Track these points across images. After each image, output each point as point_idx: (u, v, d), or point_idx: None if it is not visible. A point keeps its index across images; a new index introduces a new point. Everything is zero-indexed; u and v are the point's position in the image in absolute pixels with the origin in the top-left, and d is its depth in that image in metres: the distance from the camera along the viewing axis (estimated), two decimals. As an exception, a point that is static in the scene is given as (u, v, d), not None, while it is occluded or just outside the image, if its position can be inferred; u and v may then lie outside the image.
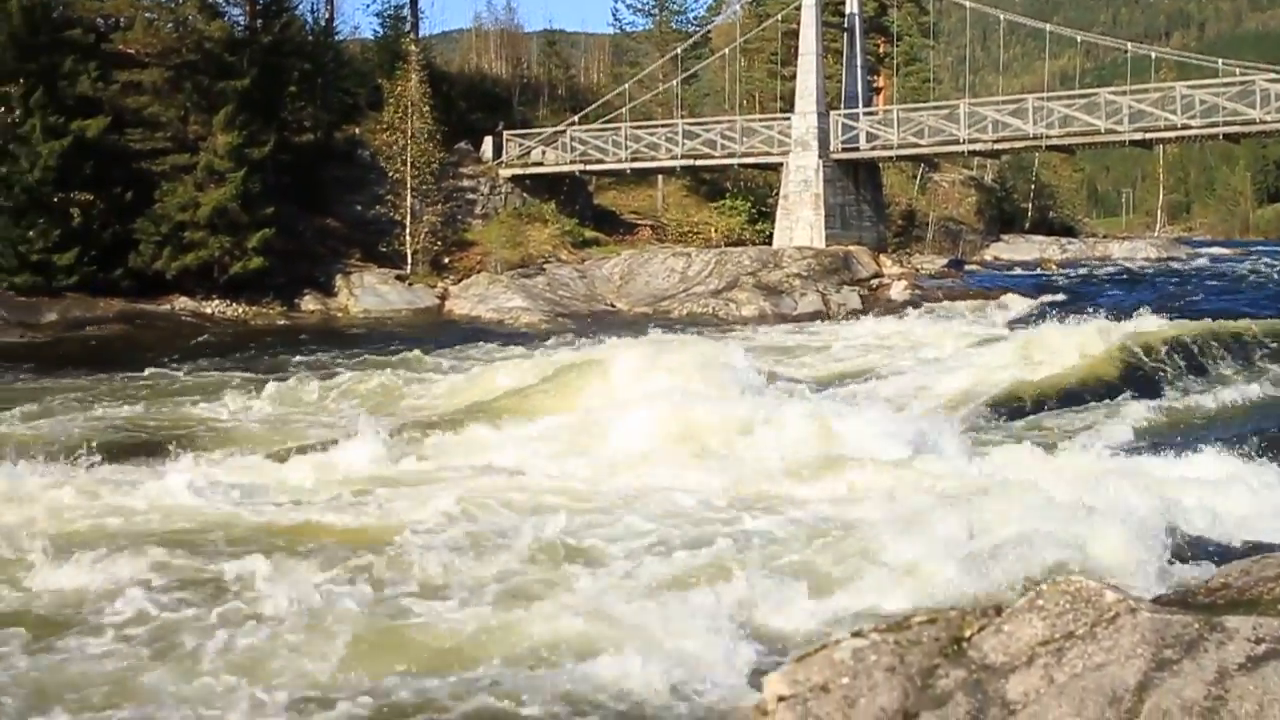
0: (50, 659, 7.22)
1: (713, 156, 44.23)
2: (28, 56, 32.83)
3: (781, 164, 42.60)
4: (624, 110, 46.91)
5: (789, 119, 43.13)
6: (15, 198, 31.66)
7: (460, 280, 39.45)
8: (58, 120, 32.49)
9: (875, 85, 59.26)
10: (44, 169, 31.78)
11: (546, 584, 8.60)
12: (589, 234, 45.74)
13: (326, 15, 48.23)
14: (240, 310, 34.49)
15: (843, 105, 44.04)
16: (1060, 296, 37.27)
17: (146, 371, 22.15)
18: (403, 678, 6.81)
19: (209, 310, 34.10)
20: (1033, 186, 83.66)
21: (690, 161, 44.54)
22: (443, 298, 38.16)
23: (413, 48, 44.56)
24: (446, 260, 41.10)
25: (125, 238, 33.57)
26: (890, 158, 44.59)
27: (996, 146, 41.10)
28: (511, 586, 8.53)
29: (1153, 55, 47.26)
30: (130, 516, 10.50)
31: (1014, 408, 16.56)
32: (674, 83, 50.59)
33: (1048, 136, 38.80)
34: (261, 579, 8.51)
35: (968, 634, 4.40)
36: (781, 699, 4.12)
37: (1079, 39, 49.03)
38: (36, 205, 31.87)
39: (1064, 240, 73.46)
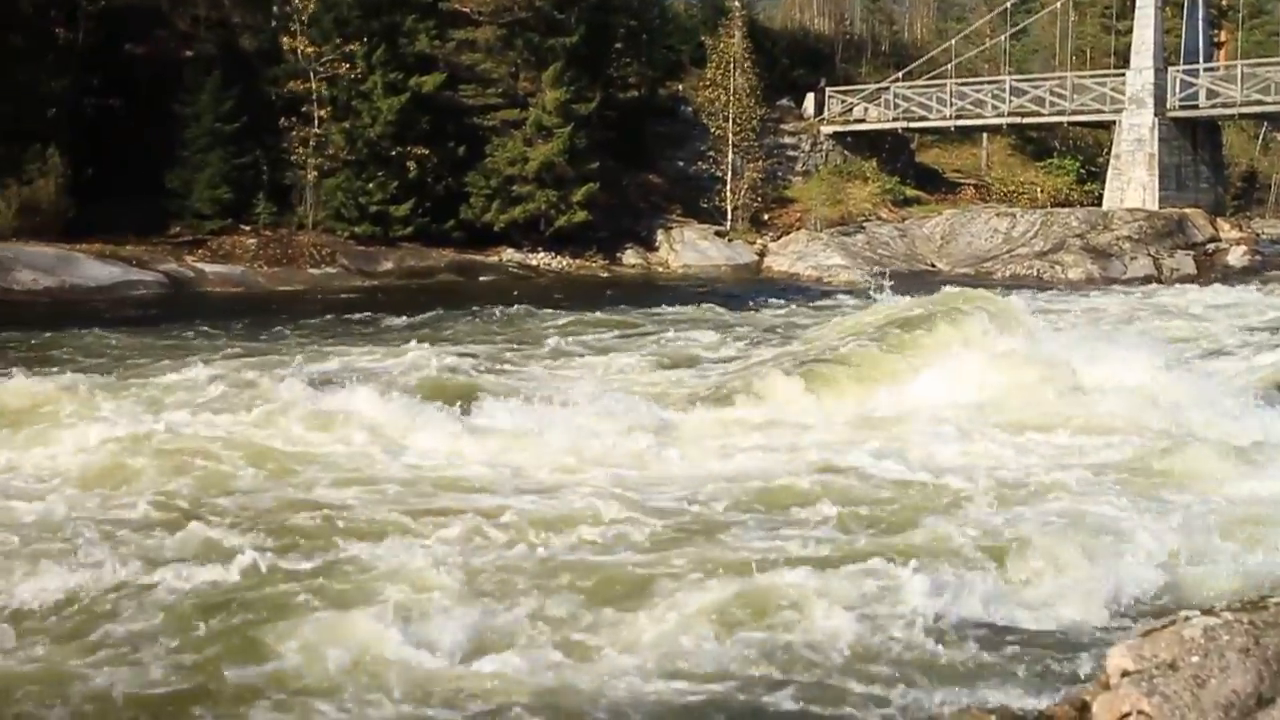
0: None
1: (1040, 114, 42.85)
2: (371, 15, 34.24)
3: (1113, 122, 40.97)
4: (949, 67, 45.82)
5: (1122, 75, 41.39)
6: (358, 151, 33.16)
7: (779, 237, 39.50)
8: (398, 77, 33.83)
9: (1217, 39, 56.17)
10: (384, 124, 33.17)
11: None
12: (910, 192, 45.04)
13: (652, -28, 48.71)
14: (564, 262, 35.31)
15: (1181, 60, 41.94)
16: None
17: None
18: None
19: (534, 262, 35.02)
20: (1390, 147, 78.32)
21: (1017, 119, 43.33)
22: (761, 254, 38.27)
23: (736, 4, 44.62)
24: (766, 217, 41.18)
25: (457, 190, 34.77)
26: (1231, 116, 42.32)
27: (1352, 104, 38.58)
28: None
29: None
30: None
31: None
32: (1001, 38, 49.31)
33: None
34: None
35: (1329, 619, 4.16)
36: (1125, 674, 3.99)
37: None
38: (376, 158, 33.29)
39: None
